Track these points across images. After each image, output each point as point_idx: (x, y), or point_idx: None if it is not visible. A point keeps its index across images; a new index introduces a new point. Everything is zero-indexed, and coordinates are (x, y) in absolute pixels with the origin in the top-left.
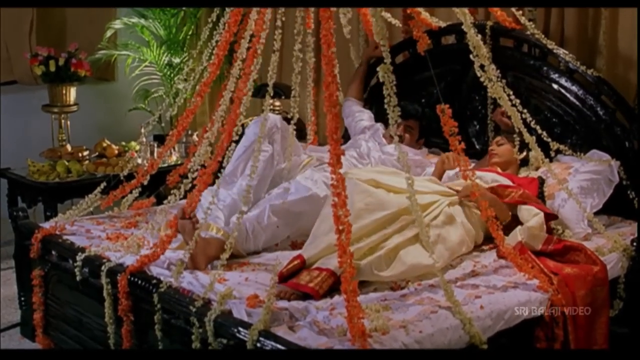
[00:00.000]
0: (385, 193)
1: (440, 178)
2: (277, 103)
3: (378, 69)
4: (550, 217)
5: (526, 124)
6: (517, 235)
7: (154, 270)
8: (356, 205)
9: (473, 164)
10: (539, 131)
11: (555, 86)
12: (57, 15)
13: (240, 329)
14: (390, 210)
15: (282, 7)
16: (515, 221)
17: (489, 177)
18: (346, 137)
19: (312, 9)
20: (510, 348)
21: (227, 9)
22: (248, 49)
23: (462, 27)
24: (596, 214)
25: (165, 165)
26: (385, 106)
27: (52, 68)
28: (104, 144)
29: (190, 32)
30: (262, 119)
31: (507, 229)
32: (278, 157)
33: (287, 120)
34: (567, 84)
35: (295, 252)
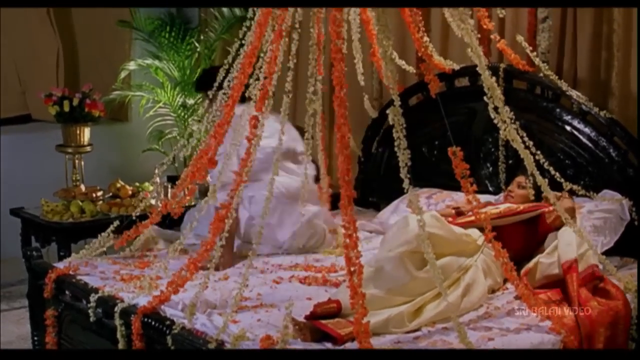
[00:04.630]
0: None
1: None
2: None
3: (388, 111)
4: None
5: (539, 166)
6: (574, 247)
7: (168, 311)
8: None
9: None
10: (552, 172)
11: (568, 128)
12: (72, 55)
13: None
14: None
15: (293, 51)
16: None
17: (502, 207)
18: None
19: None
20: None
21: (242, 51)
22: (261, 90)
23: (477, 69)
24: (608, 255)
25: None
26: (395, 149)
27: (67, 108)
28: (118, 185)
29: None
30: None
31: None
32: None
33: None
34: (580, 126)
35: (305, 289)
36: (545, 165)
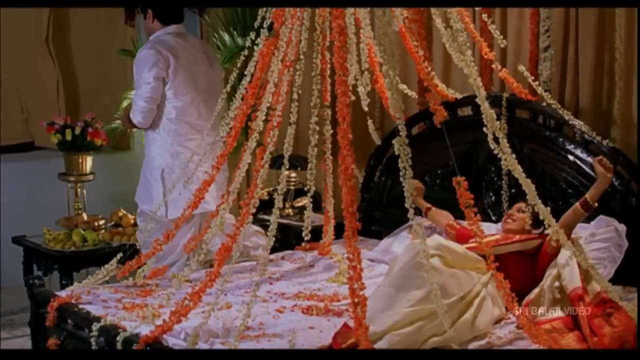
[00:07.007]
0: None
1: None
2: (293, 175)
3: (394, 141)
4: None
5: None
6: (577, 274)
7: (170, 340)
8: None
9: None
10: (550, 204)
11: (571, 157)
12: (72, 84)
13: None
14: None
15: (298, 82)
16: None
17: (499, 236)
18: None
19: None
20: None
21: (244, 82)
22: (265, 121)
23: (477, 99)
24: (611, 283)
25: None
26: (401, 179)
27: (69, 137)
28: (120, 214)
29: None
30: None
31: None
32: None
33: (304, 192)
34: (583, 155)
35: (307, 318)
36: (537, 204)
